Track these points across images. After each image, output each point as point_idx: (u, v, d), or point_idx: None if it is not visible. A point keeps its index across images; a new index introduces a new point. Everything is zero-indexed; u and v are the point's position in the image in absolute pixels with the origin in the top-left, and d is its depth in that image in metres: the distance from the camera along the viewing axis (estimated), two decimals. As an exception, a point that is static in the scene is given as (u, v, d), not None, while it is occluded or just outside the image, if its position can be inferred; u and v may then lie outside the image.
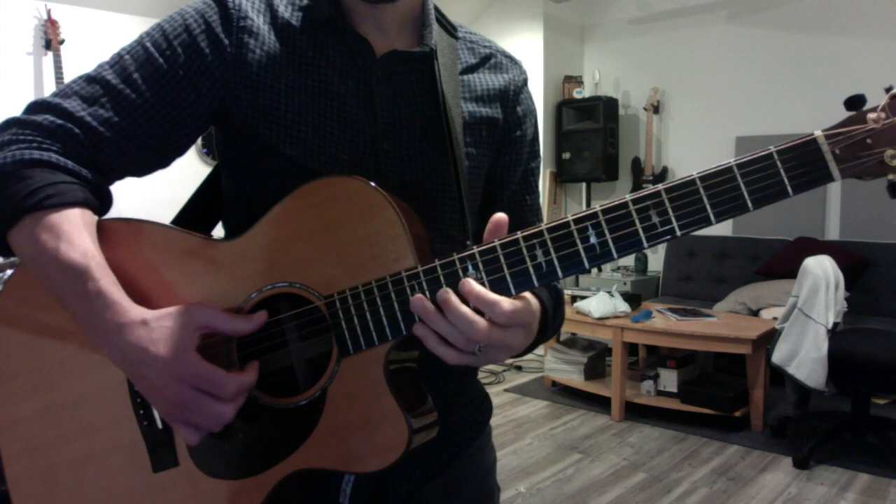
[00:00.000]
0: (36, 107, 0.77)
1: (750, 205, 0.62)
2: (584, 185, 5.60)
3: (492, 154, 0.91)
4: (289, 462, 0.73)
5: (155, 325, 0.69)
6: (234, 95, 0.80)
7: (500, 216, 0.70)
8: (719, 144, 5.08)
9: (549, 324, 0.84)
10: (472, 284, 0.67)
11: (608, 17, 5.69)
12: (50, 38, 3.87)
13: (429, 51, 0.84)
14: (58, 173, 0.73)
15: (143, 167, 0.82)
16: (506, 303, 0.67)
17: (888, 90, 0.60)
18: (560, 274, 0.67)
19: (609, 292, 4.03)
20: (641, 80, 5.47)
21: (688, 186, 0.63)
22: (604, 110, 5.25)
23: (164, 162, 0.84)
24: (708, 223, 0.63)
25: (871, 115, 0.60)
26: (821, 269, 3.06)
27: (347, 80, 0.82)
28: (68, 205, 0.71)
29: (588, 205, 5.57)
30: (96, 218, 0.75)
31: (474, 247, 0.69)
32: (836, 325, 3.08)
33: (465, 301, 0.67)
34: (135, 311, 0.69)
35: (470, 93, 0.89)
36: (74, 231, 0.70)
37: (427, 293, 0.68)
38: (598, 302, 3.91)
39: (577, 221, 0.66)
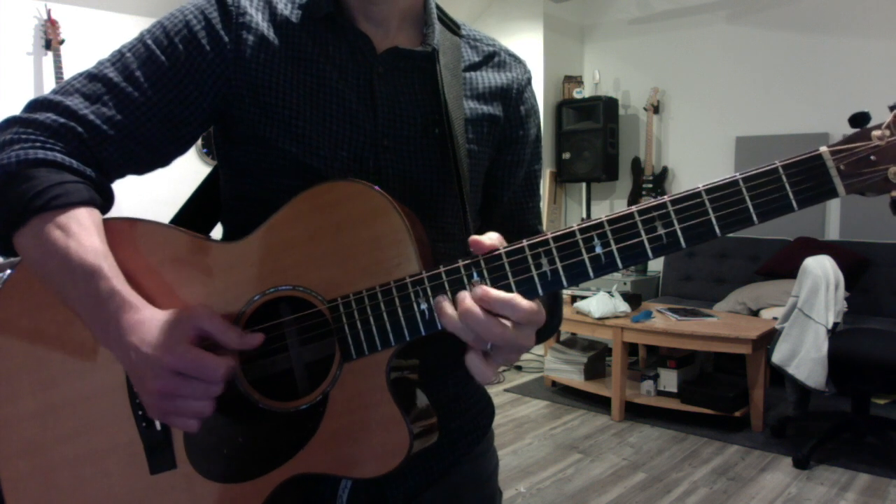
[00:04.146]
0: (37, 105, 0.75)
1: (755, 219, 0.62)
2: (584, 185, 5.59)
3: (491, 152, 0.90)
4: (288, 466, 0.72)
5: (156, 321, 0.68)
6: (237, 93, 0.80)
7: (475, 239, 0.68)
8: (719, 144, 5.08)
9: (547, 322, 0.83)
10: (489, 291, 0.65)
11: (608, 17, 5.69)
12: (50, 38, 3.87)
13: (431, 51, 0.84)
14: (63, 173, 0.72)
15: (144, 166, 0.82)
16: (523, 301, 0.65)
17: (892, 108, 0.60)
18: (565, 283, 0.67)
19: (609, 292, 4.03)
20: (641, 80, 5.46)
21: (693, 199, 0.63)
22: (604, 110, 5.24)
23: (165, 160, 0.83)
24: (713, 236, 0.63)
25: (876, 133, 0.60)
26: (821, 269, 3.06)
27: (347, 75, 0.82)
28: (76, 204, 0.71)
29: (588, 205, 5.57)
30: (101, 217, 0.74)
31: (479, 254, 0.68)
32: (836, 325, 3.08)
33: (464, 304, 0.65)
34: (148, 311, 0.69)
35: (472, 90, 0.89)
36: (84, 231, 0.70)
37: (431, 299, 0.68)
38: (598, 302, 3.91)
39: (582, 231, 0.66)
